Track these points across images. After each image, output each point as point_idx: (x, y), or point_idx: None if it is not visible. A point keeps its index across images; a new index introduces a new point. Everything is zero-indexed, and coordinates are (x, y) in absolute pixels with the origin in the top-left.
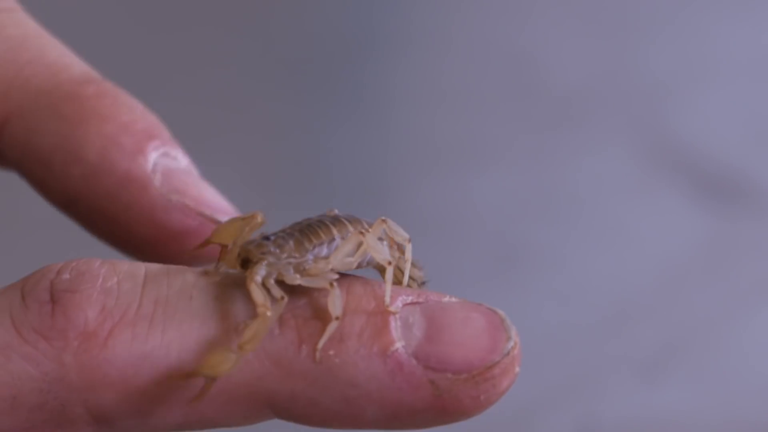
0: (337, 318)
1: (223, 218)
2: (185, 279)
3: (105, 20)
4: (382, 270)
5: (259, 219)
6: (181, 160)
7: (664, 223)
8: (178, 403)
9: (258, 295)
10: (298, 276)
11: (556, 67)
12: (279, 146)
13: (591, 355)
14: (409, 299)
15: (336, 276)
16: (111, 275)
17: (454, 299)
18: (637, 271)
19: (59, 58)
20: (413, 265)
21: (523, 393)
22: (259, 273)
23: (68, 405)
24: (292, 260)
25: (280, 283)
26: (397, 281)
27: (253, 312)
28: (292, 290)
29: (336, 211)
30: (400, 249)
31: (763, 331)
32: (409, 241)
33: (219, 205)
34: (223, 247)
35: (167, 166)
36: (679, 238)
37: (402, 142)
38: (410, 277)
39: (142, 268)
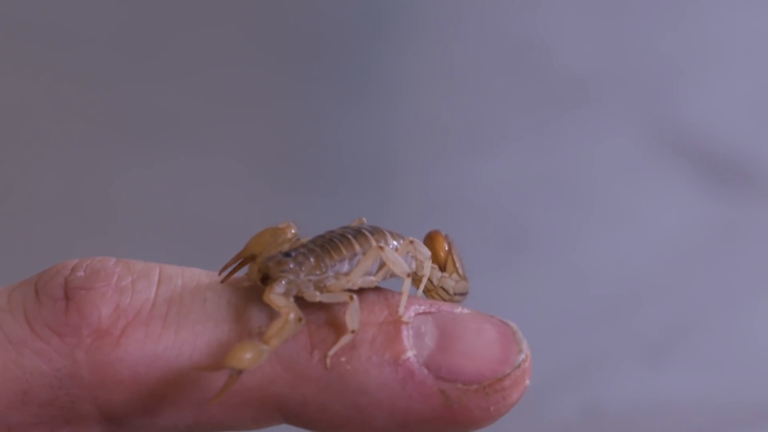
0: (353, 331)
1: None
2: (199, 281)
3: (115, 17)
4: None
5: (290, 234)
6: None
7: (670, 207)
8: (189, 404)
9: (279, 300)
10: (318, 293)
11: (563, 52)
12: (287, 132)
13: (597, 338)
14: (422, 309)
15: (356, 288)
16: (126, 274)
17: (466, 310)
18: (643, 255)
19: None
20: (457, 277)
21: None
22: (278, 290)
23: (78, 402)
24: (312, 277)
25: (299, 299)
26: (439, 297)
27: (272, 317)
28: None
29: (364, 220)
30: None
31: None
32: (429, 258)
33: None
34: (253, 257)
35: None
36: (686, 222)
37: (410, 127)
38: (443, 288)
39: (156, 268)
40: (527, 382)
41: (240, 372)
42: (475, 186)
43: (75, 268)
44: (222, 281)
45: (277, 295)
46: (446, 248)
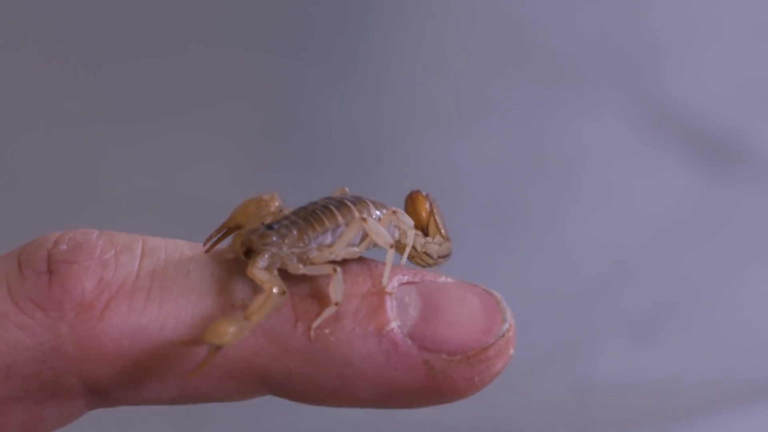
0: (336, 303)
1: None
2: (183, 253)
3: None
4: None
5: (273, 206)
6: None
7: (658, 185)
8: (173, 376)
9: (262, 275)
10: (301, 266)
11: (552, 29)
12: (275, 110)
13: (585, 315)
14: (405, 279)
15: (339, 259)
16: (108, 247)
17: (449, 279)
18: (631, 233)
19: None
20: (440, 239)
21: (518, 353)
22: (261, 264)
23: (63, 375)
24: (295, 250)
25: (282, 271)
26: (423, 262)
27: (255, 289)
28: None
29: (347, 190)
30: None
31: (755, 291)
32: (412, 228)
33: None
34: (237, 228)
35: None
36: (673, 200)
37: (398, 103)
38: (426, 253)
39: (139, 240)
40: (511, 351)
41: (219, 347)
42: (463, 163)
43: (58, 241)
44: (206, 251)
45: (259, 269)
46: (428, 208)
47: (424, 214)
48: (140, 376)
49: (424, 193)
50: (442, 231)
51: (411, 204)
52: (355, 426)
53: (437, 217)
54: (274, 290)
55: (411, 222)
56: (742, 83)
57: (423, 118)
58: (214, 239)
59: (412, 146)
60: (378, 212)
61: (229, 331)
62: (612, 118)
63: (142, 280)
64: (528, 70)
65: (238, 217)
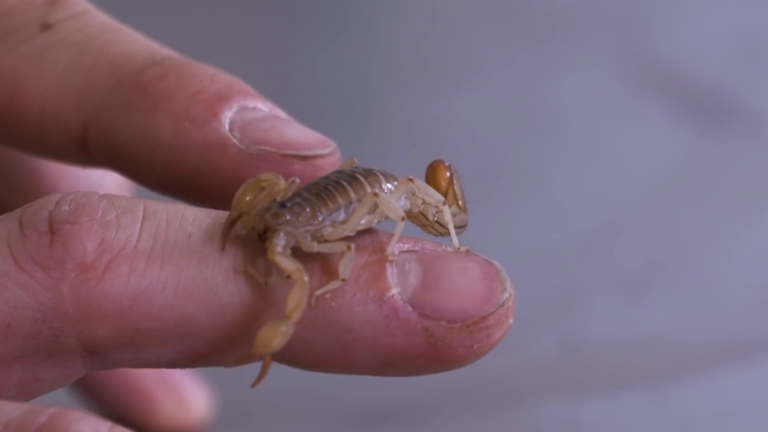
0: (343, 279)
1: (311, 151)
2: (184, 216)
3: None
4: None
5: (279, 186)
6: (261, 108)
7: (648, 141)
8: (172, 339)
9: (287, 263)
10: (315, 244)
11: None
12: (264, 67)
13: (575, 273)
14: (406, 247)
15: (352, 234)
16: (110, 209)
17: (449, 248)
18: (621, 190)
19: (122, 50)
20: (456, 209)
21: None
22: (279, 244)
23: (62, 336)
24: (309, 227)
25: (296, 249)
26: (436, 231)
27: (254, 249)
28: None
29: (355, 161)
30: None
31: (747, 249)
32: (444, 203)
33: (304, 141)
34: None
35: (244, 119)
36: (664, 156)
37: (388, 61)
38: (438, 222)
39: (140, 203)
40: (511, 320)
41: (273, 355)
42: (452, 119)
43: (59, 202)
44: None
45: (283, 257)
46: (448, 177)
47: (443, 183)
48: (139, 338)
49: (446, 164)
50: (460, 202)
51: (432, 173)
52: (340, 380)
53: (456, 188)
54: (305, 279)
55: (439, 197)
56: (734, 39)
57: (411, 75)
58: (226, 234)
59: (402, 102)
60: (389, 185)
61: (277, 340)
62: (602, 74)
63: (143, 242)
64: (517, 26)
65: (241, 206)
